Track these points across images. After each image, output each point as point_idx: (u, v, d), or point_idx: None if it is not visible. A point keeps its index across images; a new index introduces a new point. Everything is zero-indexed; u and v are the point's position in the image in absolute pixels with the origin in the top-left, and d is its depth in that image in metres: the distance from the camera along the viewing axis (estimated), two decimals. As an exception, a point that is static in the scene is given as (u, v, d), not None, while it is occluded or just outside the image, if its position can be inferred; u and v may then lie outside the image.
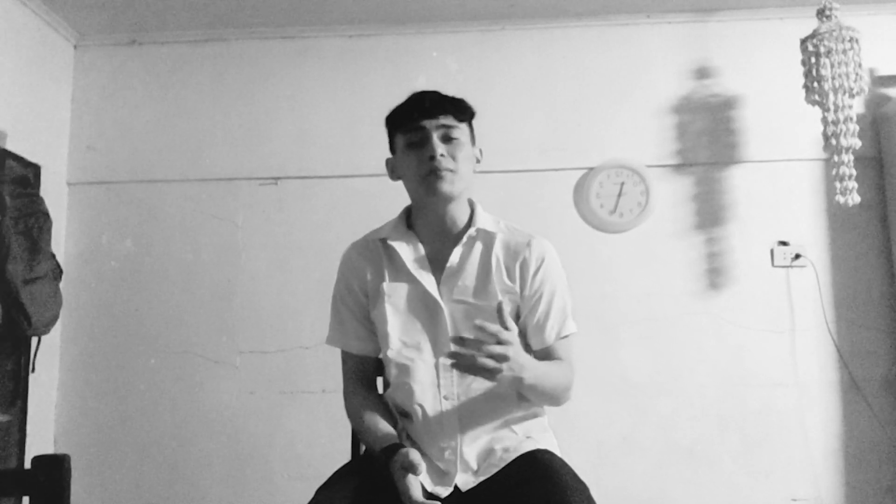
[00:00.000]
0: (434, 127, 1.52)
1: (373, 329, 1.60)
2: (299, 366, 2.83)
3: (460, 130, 1.54)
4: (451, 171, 1.51)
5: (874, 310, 2.81)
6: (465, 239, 1.56)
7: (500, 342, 1.32)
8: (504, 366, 1.32)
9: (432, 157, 1.50)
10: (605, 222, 2.90)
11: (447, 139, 1.52)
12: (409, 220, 1.63)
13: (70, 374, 2.89)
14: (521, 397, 1.53)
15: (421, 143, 1.52)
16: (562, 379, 1.53)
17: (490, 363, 1.31)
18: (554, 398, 1.53)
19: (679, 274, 2.86)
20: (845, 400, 2.77)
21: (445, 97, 1.56)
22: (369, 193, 2.83)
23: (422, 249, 1.58)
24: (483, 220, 1.59)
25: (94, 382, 2.88)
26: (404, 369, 1.53)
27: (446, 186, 1.51)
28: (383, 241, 1.60)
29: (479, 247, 1.58)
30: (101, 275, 2.94)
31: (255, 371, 2.86)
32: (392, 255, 1.59)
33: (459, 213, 1.58)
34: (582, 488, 1.35)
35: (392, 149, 1.62)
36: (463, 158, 1.53)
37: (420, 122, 1.52)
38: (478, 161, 1.62)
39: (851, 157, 2.54)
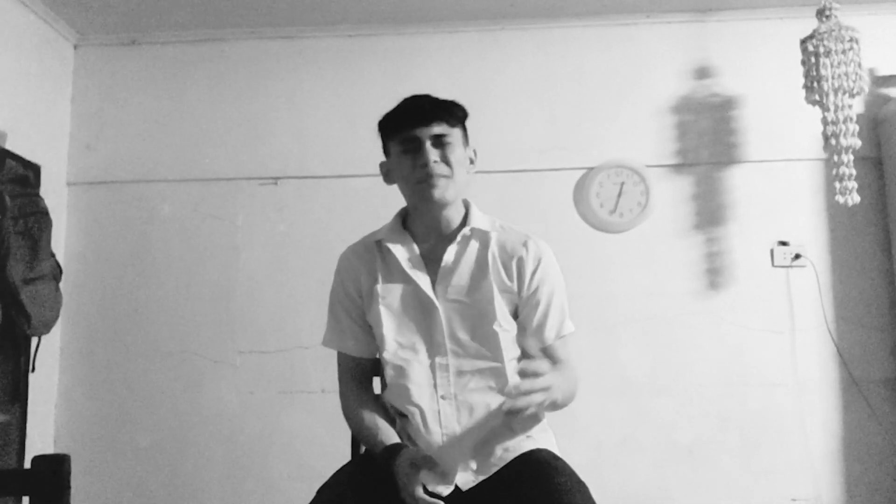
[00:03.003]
0: (427, 135, 1.51)
1: (369, 330, 1.60)
2: (299, 366, 2.83)
3: (453, 135, 1.54)
4: (445, 176, 1.51)
5: (874, 310, 2.81)
6: (459, 238, 1.56)
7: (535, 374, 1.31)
8: (549, 393, 1.32)
9: (425, 165, 1.50)
10: (605, 222, 2.90)
11: (440, 144, 1.52)
12: (404, 222, 1.63)
13: (70, 374, 2.89)
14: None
15: (414, 150, 1.52)
16: (571, 382, 1.53)
17: (539, 398, 1.30)
18: (566, 403, 1.52)
19: (679, 274, 2.86)
20: (845, 400, 2.77)
21: (438, 102, 1.55)
22: (369, 193, 2.82)
23: (417, 249, 1.58)
24: (477, 220, 1.59)
25: (94, 382, 2.88)
26: (400, 370, 1.53)
27: (439, 193, 1.51)
28: (378, 242, 1.60)
29: (474, 245, 1.58)
30: (101, 275, 2.94)
31: (254, 371, 2.86)
32: (386, 257, 1.58)
33: (454, 214, 1.58)
34: (582, 488, 1.36)
35: (386, 153, 1.61)
36: (456, 162, 1.53)
37: (412, 132, 1.51)
38: (472, 162, 1.61)
39: (851, 157, 2.55)
